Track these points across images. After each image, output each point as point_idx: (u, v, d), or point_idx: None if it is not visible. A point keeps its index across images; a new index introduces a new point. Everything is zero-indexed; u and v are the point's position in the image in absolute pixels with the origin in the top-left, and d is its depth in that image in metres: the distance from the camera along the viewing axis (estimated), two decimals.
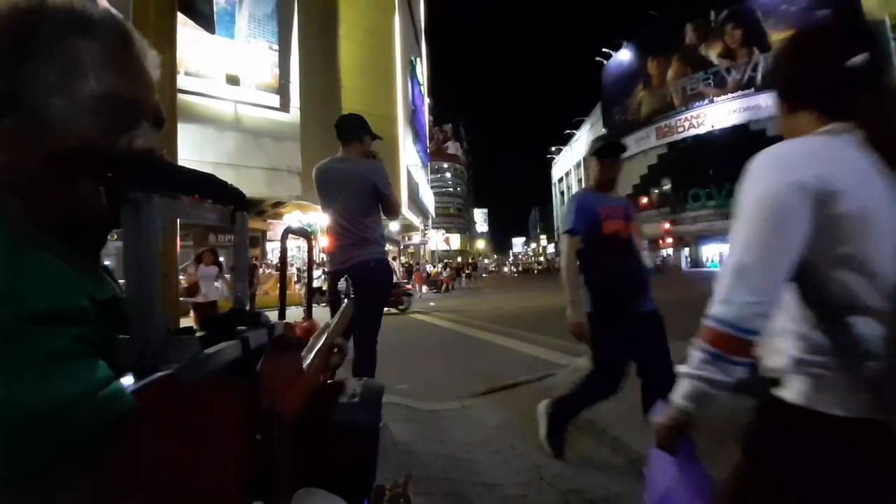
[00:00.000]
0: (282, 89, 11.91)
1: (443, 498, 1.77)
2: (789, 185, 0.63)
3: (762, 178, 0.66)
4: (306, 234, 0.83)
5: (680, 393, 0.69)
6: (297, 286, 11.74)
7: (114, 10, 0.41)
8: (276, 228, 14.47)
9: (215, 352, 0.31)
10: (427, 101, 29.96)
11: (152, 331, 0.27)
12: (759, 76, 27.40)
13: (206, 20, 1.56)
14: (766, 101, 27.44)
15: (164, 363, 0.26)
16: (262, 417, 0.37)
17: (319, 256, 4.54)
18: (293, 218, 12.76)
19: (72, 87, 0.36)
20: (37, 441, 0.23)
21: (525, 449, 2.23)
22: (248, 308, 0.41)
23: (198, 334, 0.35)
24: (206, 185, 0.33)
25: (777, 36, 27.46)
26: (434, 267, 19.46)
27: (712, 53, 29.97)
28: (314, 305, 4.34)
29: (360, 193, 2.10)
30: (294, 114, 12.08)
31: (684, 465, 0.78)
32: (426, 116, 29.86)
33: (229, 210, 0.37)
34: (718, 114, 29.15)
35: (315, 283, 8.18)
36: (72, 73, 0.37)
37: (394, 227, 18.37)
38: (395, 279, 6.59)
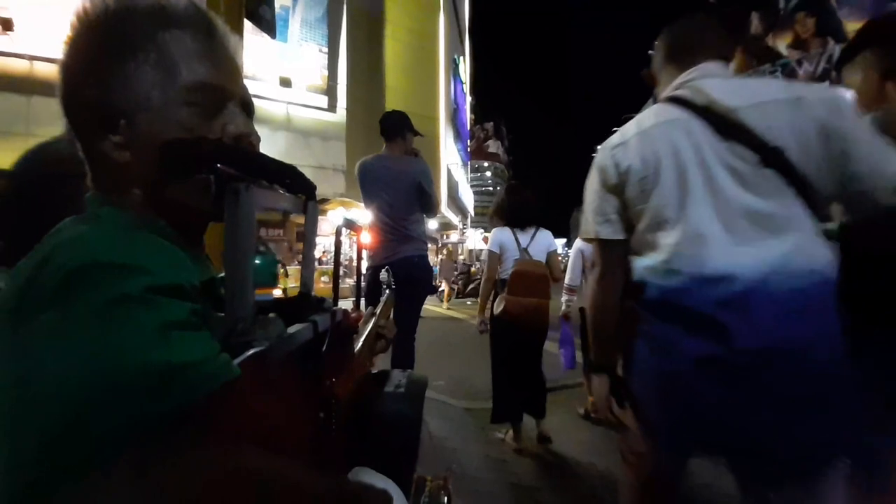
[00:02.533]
0: (330, 91, 12.37)
1: (479, 497, 1.77)
2: None
3: None
4: (356, 226, 0.86)
5: None
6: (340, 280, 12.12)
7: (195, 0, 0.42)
8: (321, 225, 14.98)
9: (295, 332, 0.33)
10: (469, 99, 29.87)
11: (243, 310, 0.29)
12: (834, 69, 24.88)
13: (268, 25, 1.65)
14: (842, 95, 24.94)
15: (254, 340, 0.29)
16: (325, 397, 0.40)
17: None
18: (337, 214, 13.22)
19: (168, 81, 0.38)
20: (163, 392, 0.27)
21: (564, 453, 2.17)
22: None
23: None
24: (290, 175, 0.36)
25: (853, 26, 24.71)
26: (473, 266, 19.42)
27: (781, 44, 27.42)
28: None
29: (405, 191, 2.14)
30: (340, 114, 12.52)
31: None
32: (467, 115, 29.78)
33: (301, 200, 0.39)
34: None
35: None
36: (165, 67, 0.38)
37: (432, 224, 18.52)
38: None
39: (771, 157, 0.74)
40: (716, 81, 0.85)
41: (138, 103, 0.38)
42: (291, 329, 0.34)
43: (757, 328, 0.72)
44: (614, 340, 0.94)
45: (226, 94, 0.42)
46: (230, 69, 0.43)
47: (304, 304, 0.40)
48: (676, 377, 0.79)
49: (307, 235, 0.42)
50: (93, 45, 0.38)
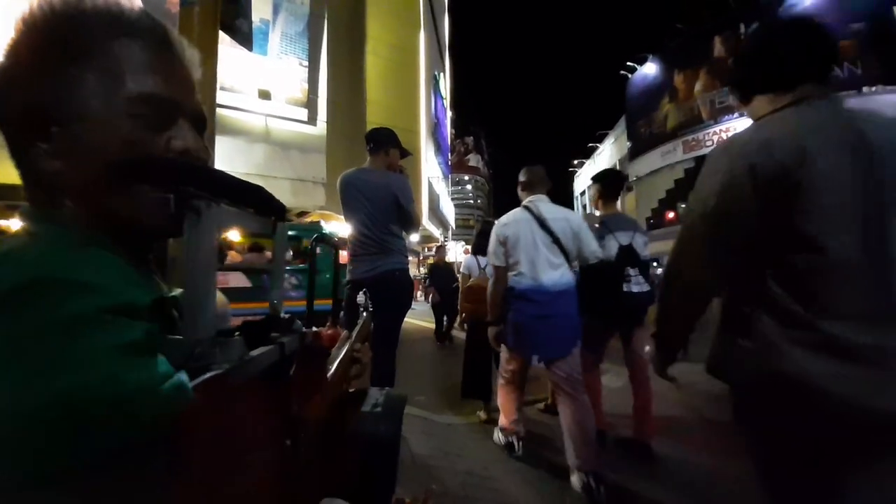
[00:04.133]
0: (310, 103, 12.32)
1: None
2: None
3: None
4: (334, 242, 0.84)
5: None
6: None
7: (150, 12, 0.41)
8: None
9: (258, 355, 0.32)
10: (449, 114, 30.31)
11: (203, 332, 0.28)
12: None
13: (244, 38, 1.63)
14: None
15: (213, 363, 0.27)
16: (292, 423, 0.38)
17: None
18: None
19: (112, 90, 0.36)
20: (112, 424, 0.25)
21: (546, 468, 2.16)
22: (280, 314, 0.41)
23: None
24: (256, 197, 0.35)
25: None
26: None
27: None
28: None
29: (384, 205, 2.13)
30: (321, 127, 12.45)
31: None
32: (448, 129, 30.17)
33: (271, 221, 0.38)
34: None
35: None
36: (110, 76, 0.36)
37: (414, 238, 18.50)
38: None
39: (556, 239, 2.02)
40: (542, 204, 2.12)
41: (75, 111, 0.36)
42: (255, 352, 0.32)
43: (550, 304, 1.99)
44: (500, 309, 2.14)
45: (175, 107, 0.40)
46: (182, 83, 0.42)
47: (271, 326, 0.39)
48: (524, 324, 2.06)
49: (276, 257, 0.40)
50: (32, 47, 0.36)
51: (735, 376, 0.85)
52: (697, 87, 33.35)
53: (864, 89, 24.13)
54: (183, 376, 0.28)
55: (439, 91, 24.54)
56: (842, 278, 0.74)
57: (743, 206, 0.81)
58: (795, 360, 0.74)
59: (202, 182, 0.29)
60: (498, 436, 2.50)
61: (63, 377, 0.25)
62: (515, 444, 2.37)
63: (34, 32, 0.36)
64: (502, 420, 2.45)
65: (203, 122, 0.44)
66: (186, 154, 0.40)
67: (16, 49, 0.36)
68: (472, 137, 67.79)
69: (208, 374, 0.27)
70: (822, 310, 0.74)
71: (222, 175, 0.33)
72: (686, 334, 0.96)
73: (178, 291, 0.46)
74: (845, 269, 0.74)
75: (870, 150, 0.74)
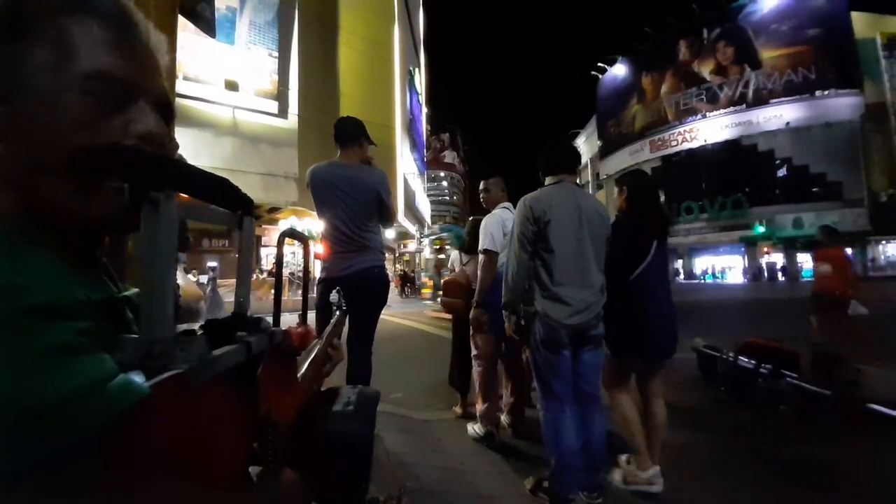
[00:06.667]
0: (280, 96, 11.95)
1: None
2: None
3: None
4: (304, 238, 0.82)
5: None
6: (290, 292, 11.62)
7: None
8: (271, 234, 14.37)
9: (221, 354, 0.30)
10: (425, 110, 30.19)
11: (161, 330, 0.26)
12: (750, 93, 27.99)
13: (206, 24, 1.55)
14: (757, 118, 28.02)
15: (172, 363, 0.26)
16: (260, 425, 0.36)
17: (312, 263, 4.50)
18: (288, 224, 12.71)
19: (61, 66, 0.34)
20: (43, 434, 0.23)
21: (522, 461, 2.19)
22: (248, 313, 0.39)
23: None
24: (220, 189, 0.33)
25: (768, 54, 28.13)
26: (427, 275, 19.38)
27: (705, 70, 30.59)
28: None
29: (364, 201, 2.08)
30: (292, 120, 12.12)
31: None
32: (423, 125, 30.04)
33: (237, 215, 0.36)
34: (711, 129, 29.63)
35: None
36: (61, 51, 0.34)
37: (389, 234, 18.36)
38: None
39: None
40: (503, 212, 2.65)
41: (19, 87, 0.33)
42: (218, 351, 0.30)
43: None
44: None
45: (134, 88, 0.37)
46: (144, 65, 0.39)
47: (237, 324, 0.37)
48: (497, 314, 2.03)
49: (242, 252, 0.39)
50: None
51: (524, 313, 1.83)
52: (664, 89, 34.63)
53: (818, 93, 25.90)
54: (133, 376, 0.26)
55: (414, 87, 24.37)
56: (562, 267, 1.76)
57: (527, 228, 1.79)
58: (542, 304, 1.76)
59: (158, 171, 0.27)
60: (474, 429, 2.53)
61: None
62: (495, 433, 2.42)
63: None
64: (480, 407, 2.49)
65: (169, 108, 0.42)
66: (149, 138, 0.37)
67: None
68: (447, 134, 67.81)
69: (165, 374, 0.25)
70: (554, 282, 1.75)
71: (188, 167, 0.31)
72: (519, 301, 1.83)
73: (132, 291, 0.44)
74: (564, 262, 1.76)
75: (579, 207, 1.82)
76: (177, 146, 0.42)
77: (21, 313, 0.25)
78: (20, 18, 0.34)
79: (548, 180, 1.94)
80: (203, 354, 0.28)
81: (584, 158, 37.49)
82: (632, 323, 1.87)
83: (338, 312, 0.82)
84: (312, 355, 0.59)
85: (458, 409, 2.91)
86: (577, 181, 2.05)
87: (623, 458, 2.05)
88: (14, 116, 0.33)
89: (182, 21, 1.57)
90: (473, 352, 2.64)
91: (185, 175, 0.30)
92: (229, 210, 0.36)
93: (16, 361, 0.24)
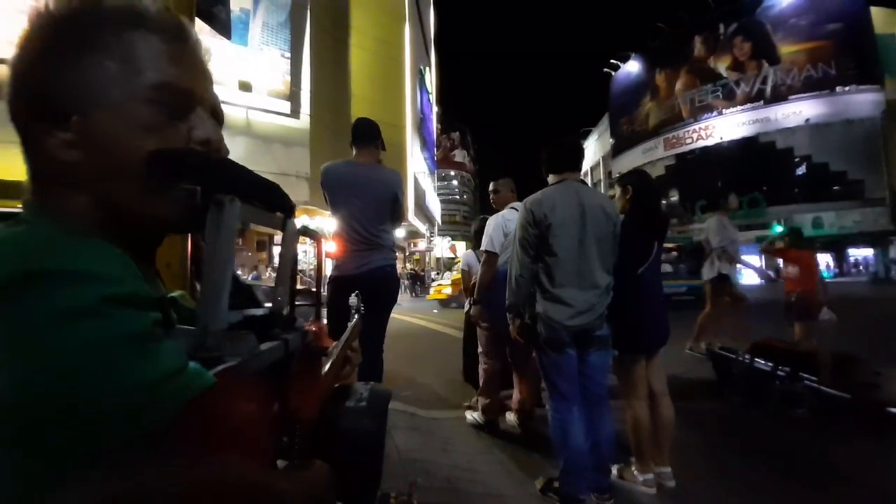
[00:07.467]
0: (292, 96, 12.07)
1: None
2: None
3: None
4: (317, 235, 0.83)
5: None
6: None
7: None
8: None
9: (266, 350, 0.32)
10: (435, 109, 30.16)
11: (215, 324, 0.28)
12: (768, 89, 27.33)
13: (222, 26, 1.58)
14: (775, 115, 27.34)
15: (224, 355, 0.28)
16: (290, 420, 0.38)
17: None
18: (300, 222, 12.83)
19: (131, 78, 0.36)
20: (136, 412, 0.25)
21: (530, 460, 2.19)
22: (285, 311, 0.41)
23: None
24: (271, 193, 0.35)
25: (787, 49, 27.43)
26: (439, 275, 19.40)
27: (721, 66, 29.93)
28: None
29: (380, 200, 2.11)
30: (304, 120, 12.23)
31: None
32: (434, 124, 30.02)
33: (280, 218, 0.38)
34: (727, 126, 28.97)
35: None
36: (129, 64, 0.37)
37: (399, 233, 18.43)
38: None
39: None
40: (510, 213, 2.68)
41: (95, 98, 0.35)
42: (264, 346, 0.32)
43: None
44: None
45: (194, 97, 0.40)
46: (200, 75, 0.42)
47: (275, 321, 0.39)
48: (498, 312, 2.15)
49: (284, 253, 0.41)
50: (49, 38, 0.35)
51: (530, 314, 1.83)
52: (678, 85, 34.00)
53: (838, 89, 25.16)
54: (197, 365, 0.28)
55: (425, 86, 24.37)
56: (564, 268, 1.75)
57: (528, 232, 1.79)
58: (543, 306, 1.77)
59: (228, 176, 0.30)
60: (473, 416, 2.61)
61: (63, 377, 0.24)
62: (496, 421, 2.50)
63: (50, 23, 0.36)
64: (482, 401, 2.58)
65: (220, 115, 0.45)
66: (208, 144, 0.40)
67: (29, 40, 0.36)
68: (457, 133, 67.63)
69: (223, 365, 0.27)
70: (555, 284, 1.75)
71: (245, 171, 0.33)
72: (524, 301, 1.83)
73: (177, 293, 0.46)
74: (566, 264, 1.75)
75: (583, 207, 1.77)
76: (227, 150, 0.44)
77: (105, 301, 0.27)
78: (91, 33, 0.36)
79: (551, 179, 1.92)
80: (252, 348, 0.30)
81: (597, 157, 36.96)
82: (634, 319, 1.88)
83: (356, 316, 0.84)
84: (334, 357, 0.61)
85: (473, 402, 2.96)
86: (588, 180, 2.08)
87: (615, 467, 1.99)
88: (88, 125, 0.35)
89: (197, 24, 1.61)
90: (479, 348, 2.71)
91: (247, 179, 0.32)
92: (275, 212, 0.38)
93: (102, 347, 0.25)
